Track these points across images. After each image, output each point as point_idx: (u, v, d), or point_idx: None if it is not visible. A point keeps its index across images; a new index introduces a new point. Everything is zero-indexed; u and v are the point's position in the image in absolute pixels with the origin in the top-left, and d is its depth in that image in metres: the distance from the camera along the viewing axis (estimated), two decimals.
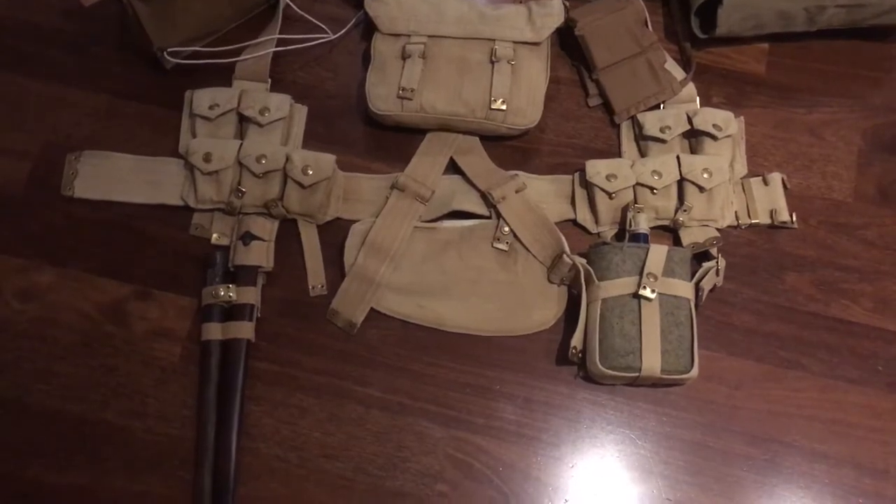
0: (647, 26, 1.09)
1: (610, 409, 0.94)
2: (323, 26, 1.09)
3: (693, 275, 0.94)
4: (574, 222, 1.01)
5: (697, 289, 0.94)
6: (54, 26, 1.11)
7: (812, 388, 0.95)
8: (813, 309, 0.98)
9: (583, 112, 1.08)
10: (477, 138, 1.04)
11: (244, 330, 0.93)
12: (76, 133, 1.05)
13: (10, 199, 1.01)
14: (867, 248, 1.01)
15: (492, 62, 1.02)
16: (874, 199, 1.03)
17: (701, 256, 0.98)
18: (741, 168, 1.04)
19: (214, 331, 0.93)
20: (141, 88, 1.08)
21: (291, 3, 1.08)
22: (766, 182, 1.03)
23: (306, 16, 1.09)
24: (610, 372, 0.90)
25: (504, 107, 1.00)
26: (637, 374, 0.90)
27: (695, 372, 0.90)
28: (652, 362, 0.89)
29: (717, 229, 1.00)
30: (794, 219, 1.01)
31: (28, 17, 1.11)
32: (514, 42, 1.03)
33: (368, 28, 1.08)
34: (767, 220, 1.01)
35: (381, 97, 1.01)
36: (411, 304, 0.96)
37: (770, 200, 1.02)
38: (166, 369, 0.94)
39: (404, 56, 1.02)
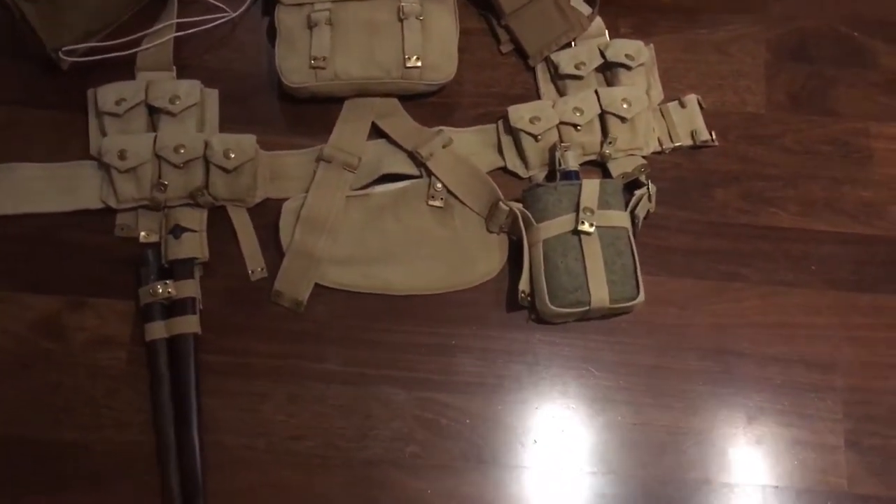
0: None
1: (565, 347, 0.95)
2: (222, 6, 1.06)
3: (627, 204, 0.96)
4: (504, 170, 1.02)
5: (633, 217, 0.95)
6: None
7: (753, 296, 0.98)
8: (744, 220, 1.01)
9: (497, 60, 1.08)
10: (396, 100, 1.03)
11: (189, 324, 0.91)
12: None
13: None
14: (786, 155, 1.04)
15: (400, 20, 1.01)
16: (786, 107, 1.07)
17: (632, 185, 0.99)
18: (657, 94, 1.05)
19: (158, 329, 0.91)
20: (40, 94, 1.03)
21: None
22: (683, 105, 1.05)
23: None
24: (560, 310, 0.91)
25: (419, 63, 0.99)
26: (587, 308, 0.91)
27: (641, 297, 0.92)
28: (600, 294, 0.91)
29: (644, 157, 1.02)
30: (714, 136, 1.04)
31: None
32: None
33: (269, 2, 1.05)
34: (689, 142, 1.03)
35: (294, 70, 0.99)
36: (356, 274, 0.95)
37: (689, 122, 1.04)
38: (115, 377, 0.91)
39: (310, 25, 1.00)
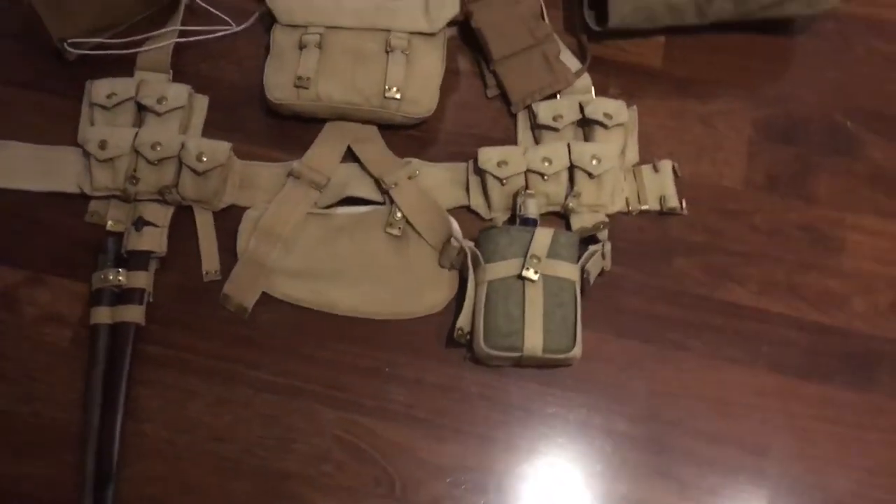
0: (543, 19, 1.11)
1: (497, 390, 0.95)
2: (227, 19, 1.11)
3: (581, 258, 0.96)
4: (468, 209, 1.03)
5: (583, 271, 0.95)
6: None
7: (696, 368, 0.96)
8: (700, 292, 1.00)
9: (482, 103, 1.10)
10: (375, 128, 1.06)
11: (133, 313, 0.94)
12: None
13: None
14: (754, 234, 1.03)
15: (387, 52, 1.04)
16: (763, 187, 1.06)
17: (589, 241, 0.99)
18: (633, 156, 1.06)
19: (103, 314, 0.94)
20: (43, 79, 1.08)
21: None
22: (656, 169, 1.05)
23: (210, 8, 1.11)
24: (493, 352, 0.91)
25: (398, 95, 1.02)
26: (520, 354, 0.91)
27: (577, 351, 0.92)
28: (534, 342, 0.91)
29: (608, 215, 1.02)
30: (684, 205, 1.03)
31: None
32: (410, 33, 1.05)
33: (272, 21, 1.09)
34: (657, 207, 1.03)
35: (278, 86, 1.03)
36: (304, 289, 0.97)
37: (660, 187, 1.04)
38: (56, 354, 0.94)
39: (301, 46, 1.04)
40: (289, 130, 1.07)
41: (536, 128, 1.06)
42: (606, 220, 1.01)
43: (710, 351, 0.97)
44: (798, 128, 1.10)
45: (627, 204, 1.03)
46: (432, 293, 0.98)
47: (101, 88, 1.03)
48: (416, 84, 1.03)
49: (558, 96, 1.08)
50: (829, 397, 0.95)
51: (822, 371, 0.96)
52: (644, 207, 1.03)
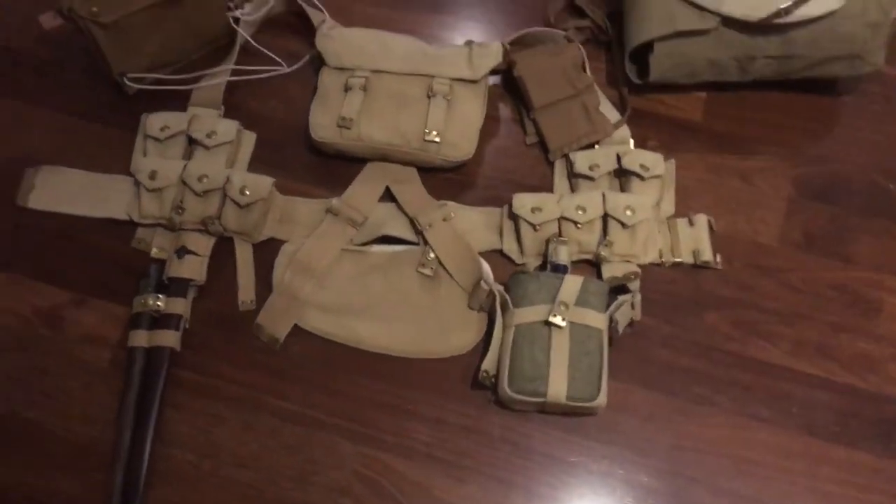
0: (584, 70, 1.13)
1: (520, 435, 0.95)
2: (279, 59, 1.15)
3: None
4: (501, 253, 1.04)
5: (611, 321, 0.95)
6: (26, 50, 1.18)
7: (723, 424, 0.95)
8: (730, 348, 0.99)
9: (521, 149, 1.12)
10: (414, 169, 1.08)
11: (169, 338, 0.97)
12: (38, 149, 1.11)
13: None
14: (789, 292, 1.02)
15: (429, 97, 1.07)
16: (799, 245, 1.05)
17: (620, 290, 1.00)
18: (669, 208, 1.06)
19: (140, 338, 0.97)
20: (104, 111, 1.14)
21: (249, 38, 1.15)
22: (691, 223, 1.05)
23: (263, 49, 1.15)
24: (517, 396, 0.92)
25: (438, 139, 1.05)
26: (543, 400, 0.91)
27: (601, 400, 0.92)
28: (558, 388, 0.91)
29: (640, 266, 1.02)
30: (718, 259, 1.03)
31: (1, 41, 1.19)
32: (452, 79, 1.08)
33: (322, 63, 1.14)
34: (691, 260, 1.03)
35: (323, 125, 1.06)
36: (334, 323, 0.99)
37: (694, 240, 1.04)
38: (94, 373, 0.98)
39: (346, 88, 1.08)
40: (330, 169, 1.10)
41: (573, 176, 1.07)
42: (638, 270, 1.01)
43: (738, 408, 0.96)
44: (838, 188, 1.09)
45: (660, 255, 1.03)
46: (460, 334, 0.99)
47: (155, 121, 1.08)
48: (456, 128, 1.06)
49: (596, 146, 1.09)
50: (859, 463, 0.93)
51: (852, 435, 0.94)
52: (677, 260, 1.03)
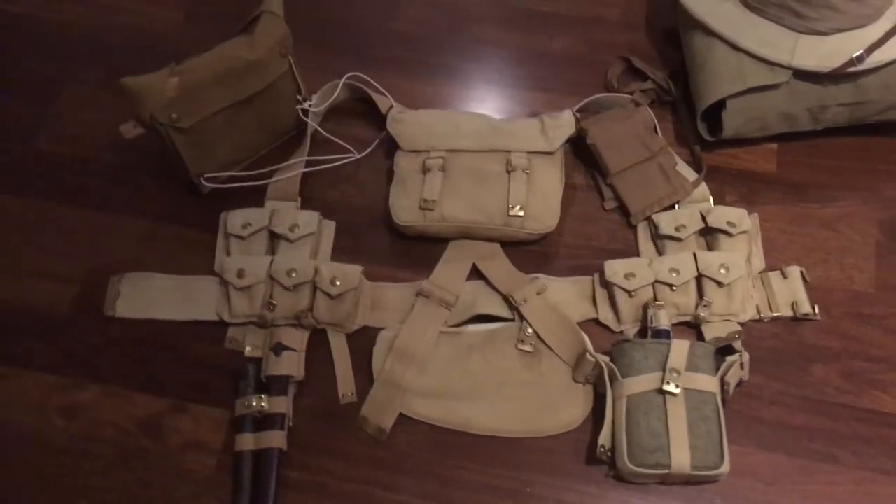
0: (656, 132, 1.14)
1: None
2: (348, 147, 1.16)
3: (718, 369, 0.95)
4: (597, 322, 1.03)
5: (723, 383, 0.94)
6: (99, 159, 1.18)
7: (847, 481, 0.93)
8: (843, 400, 0.97)
9: (600, 215, 1.12)
10: (498, 245, 1.08)
11: (276, 439, 0.95)
12: (120, 257, 1.10)
13: (56, 320, 1.06)
14: (893, 338, 1.01)
15: (508, 172, 1.07)
16: None
17: (724, 351, 0.98)
18: (759, 263, 1.06)
19: (247, 441, 0.95)
20: (179, 212, 1.14)
21: (319, 128, 1.16)
22: (784, 275, 1.04)
23: (333, 138, 1.16)
24: (639, 470, 0.89)
25: (521, 213, 1.05)
26: (667, 471, 0.89)
27: (726, 467, 0.89)
28: (681, 458, 0.89)
29: (740, 323, 1.01)
30: (817, 310, 1.02)
31: (75, 152, 1.19)
32: (529, 152, 1.08)
33: (391, 146, 1.14)
34: (790, 313, 1.02)
35: (404, 209, 1.07)
36: (438, 408, 0.98)
37: (790, 293, 1.03)
38: (200, 482, 0.96)
39: (425, 170, 1.08)
40: (411, 251, 1.10)
41: (658, 238, 1.06)
42: (740, 329, 1.00)
43: (861, 462, 0.94)
44: None
45: (758, 311, 1.02)
46: (568, 409, 0.97)
47: (236, 219, 1.08)
48: (537, 201, 1.06)
49: (677, 206, 1.09)
50: None
51: None
52: (776, 314, 1.02)
